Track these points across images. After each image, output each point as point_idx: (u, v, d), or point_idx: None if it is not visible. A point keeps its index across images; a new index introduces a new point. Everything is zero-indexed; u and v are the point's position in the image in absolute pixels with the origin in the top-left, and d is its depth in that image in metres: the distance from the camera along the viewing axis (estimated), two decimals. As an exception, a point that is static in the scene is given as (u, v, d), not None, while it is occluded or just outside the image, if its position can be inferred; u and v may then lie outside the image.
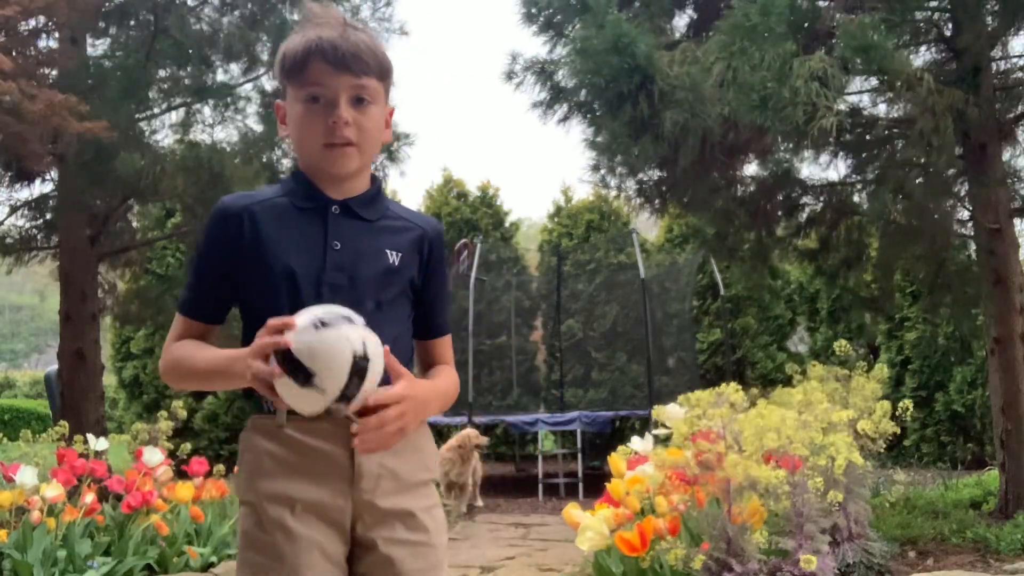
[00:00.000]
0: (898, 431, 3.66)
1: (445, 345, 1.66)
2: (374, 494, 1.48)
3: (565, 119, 5.77)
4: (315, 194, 1.53)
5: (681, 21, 6.23)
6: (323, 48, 1.47)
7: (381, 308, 1.51)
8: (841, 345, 4.23)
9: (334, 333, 1.32)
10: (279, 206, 1.53)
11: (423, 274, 1.58)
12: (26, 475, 4.52)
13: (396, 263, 1.53)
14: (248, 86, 6.93)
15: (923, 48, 5.74)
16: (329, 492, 1.46)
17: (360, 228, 1.53)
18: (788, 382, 4.11)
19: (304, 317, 1.34)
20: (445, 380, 1.62)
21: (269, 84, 7.03)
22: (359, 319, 1.36)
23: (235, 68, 6.87)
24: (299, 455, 1.46)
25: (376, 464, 1.48)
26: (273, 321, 1.34)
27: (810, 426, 3.37)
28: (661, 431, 3.93)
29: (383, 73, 1.53)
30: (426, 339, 1.64)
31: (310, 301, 1.42)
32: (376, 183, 1.60)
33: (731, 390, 3.32)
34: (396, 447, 1.47)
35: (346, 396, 1.33)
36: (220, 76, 6.83)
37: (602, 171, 6.09)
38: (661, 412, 3.77)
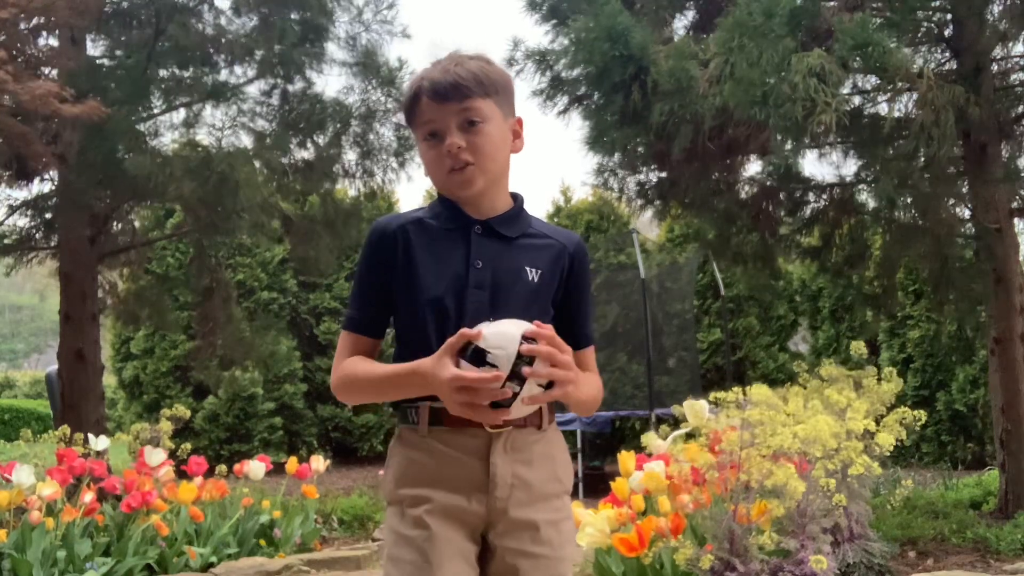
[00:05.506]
0: (904, 436, 3.66)
1: (589, 356, 1.72)
2: (507, 503, 1.57)
3: (565, 111, 5.72)
4: (459, 215, 1.62)
5: (681, 23, 6.22)
6: (424, 87, 1.59)
7: None
8: (858, 346, 4.23)
9: (506, 322, 1.47)
10: (429, 227, 1.63)
11: (564, 288, 1.65)
12: (22, 474, 4.51)
13: (535, 280, 1.61)
14: (254, 88, 6.91)
15: (924, 48, 5.73)
16: (466, 498, 1.56)
17: (501, 247, 1.61)
18: (794, 380, 4.09)
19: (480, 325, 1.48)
20: (592, 376, 1.68)
21: (267, 84, 7.01)
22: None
23: (239, 70, 6.84)
24: (439, 463, 1.57)
25: (509, 474, 1.56)
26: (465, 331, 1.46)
27: (834, 430, 3.35)
28: (680, 429, 3.90)
29: (490, 91, 1.61)
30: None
31: (454, 319, 1.54)
32: (518, 201, 1.67)
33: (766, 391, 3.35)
34: (530, 455, 1.57)
35: (517, 374, 1.43)
36: (224, 76, 6.79)
37: (605, 174, 6.06)
38: (690, 407, 3.74)
